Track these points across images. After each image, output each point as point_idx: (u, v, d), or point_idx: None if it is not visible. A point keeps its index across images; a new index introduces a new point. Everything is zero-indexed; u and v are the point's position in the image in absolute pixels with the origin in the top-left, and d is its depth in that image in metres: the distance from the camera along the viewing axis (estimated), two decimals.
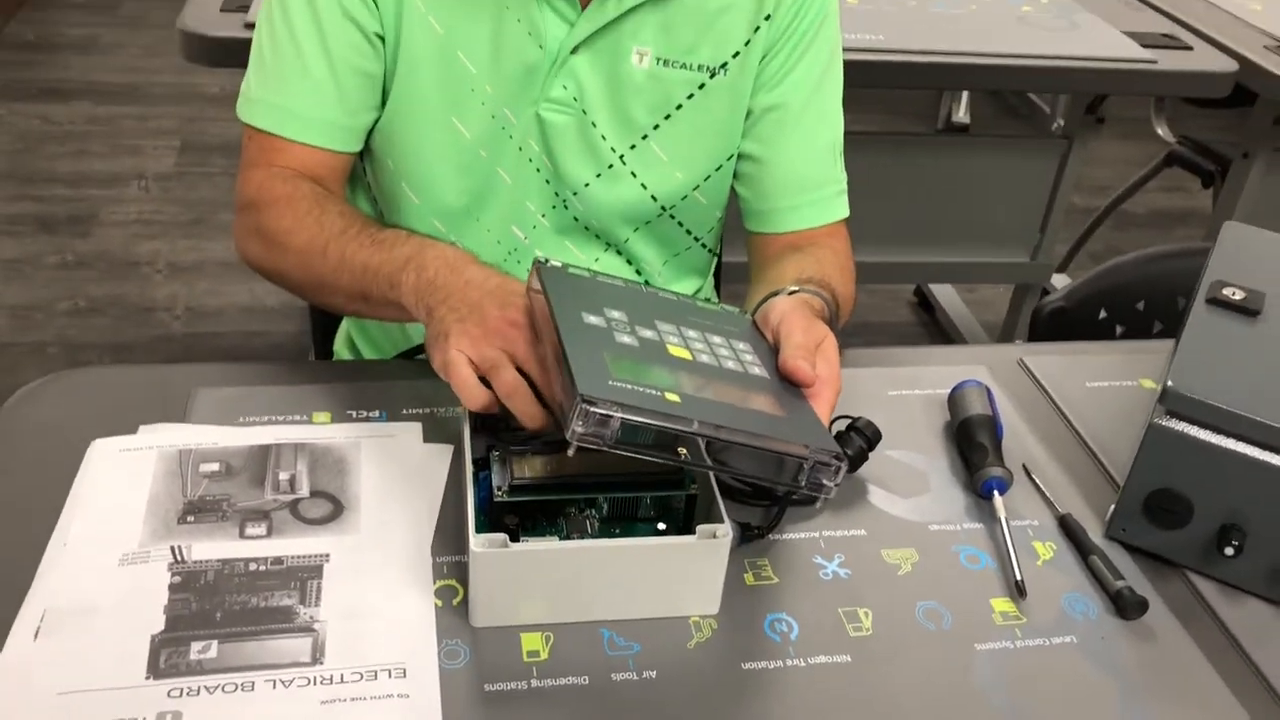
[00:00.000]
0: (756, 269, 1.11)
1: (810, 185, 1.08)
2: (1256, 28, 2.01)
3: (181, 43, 1.62)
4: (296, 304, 2.46)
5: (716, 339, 0.82)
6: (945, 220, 2.20)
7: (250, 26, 1.58)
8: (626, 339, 0.77)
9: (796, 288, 0.93)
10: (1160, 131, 2.61)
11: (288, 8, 0.98)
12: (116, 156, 2.98)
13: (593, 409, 0.66)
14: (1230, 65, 1.86)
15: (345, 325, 1.24)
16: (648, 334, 0.79)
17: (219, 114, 3.25)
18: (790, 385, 0.79)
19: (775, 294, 0.92)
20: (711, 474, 0.77)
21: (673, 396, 0.70)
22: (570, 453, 0.68)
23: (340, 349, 1.23)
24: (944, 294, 2.69)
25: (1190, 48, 1.91)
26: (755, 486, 0.84)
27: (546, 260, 0.84)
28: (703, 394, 0.72)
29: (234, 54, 1.61)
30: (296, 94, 0.99)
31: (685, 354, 0.78)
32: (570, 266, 0.85)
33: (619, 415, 0.67)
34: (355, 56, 0.98)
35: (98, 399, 0.90)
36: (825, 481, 0.72)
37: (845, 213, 1.10)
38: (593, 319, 0.78)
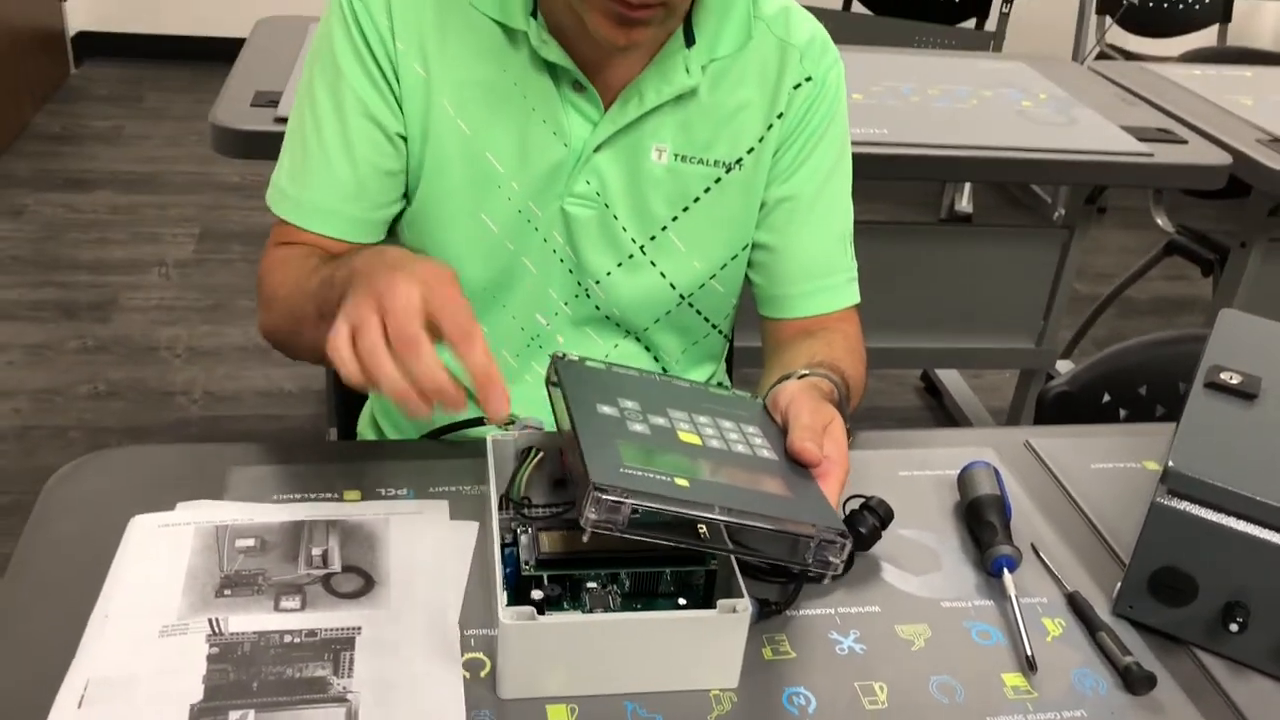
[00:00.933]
0: (770, 353, 1.14)
1: (822, 272, 1.12)
2: (1249, 122, 2.08)
3: (213, 136, 1.69)
4: (312, 389, 2.51)
5: (727, 424, 0.86)
6: (950, 307, 2.24)
7: (280, 121, 1.65)
8: (639, 427, 0.80)
9: (807, 371, 0.96)
10: (1160, 221, 2.67)
11: (316, 106, 1.03)
12: (137, 244, 3.05)
13: (605, 496, 0.70)
14: (1224, 159, 1.92)
15: (369, 405, 1.27)
16: (659, 421, 0.82)
17: (238, 202, 3.33)
18: (799, 467, 0.82)
19: (786, 377, 0.95)
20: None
21: (682, 481, 0.74)
22: (584, 539, 0.71)
23: (364, 429, 1.27)
24: (950, 379, 2.73)
25: (1185, 141, 1.97)
26: (771, 564, 0.87)
27: (563, 355, 0.88)
28: (712, 478, 0.76)
29: (262, 147, 1.67)
30: (320, 189, 1.03)
31: (696, 439, 0.81)
32: (586, 359, 0.89)
33: (630, 502, 0.70)
34: (376, 156, 1.03)
35: (137, 477, 0.93)
36: (831, 559, 0.75)
37: (856, 299, 1.14)
38: (607, 409, 0.81)
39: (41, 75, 3.89)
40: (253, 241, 3.12)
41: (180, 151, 3.62)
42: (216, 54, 4.34)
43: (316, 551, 0.86)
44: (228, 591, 0.82)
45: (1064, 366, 2.56)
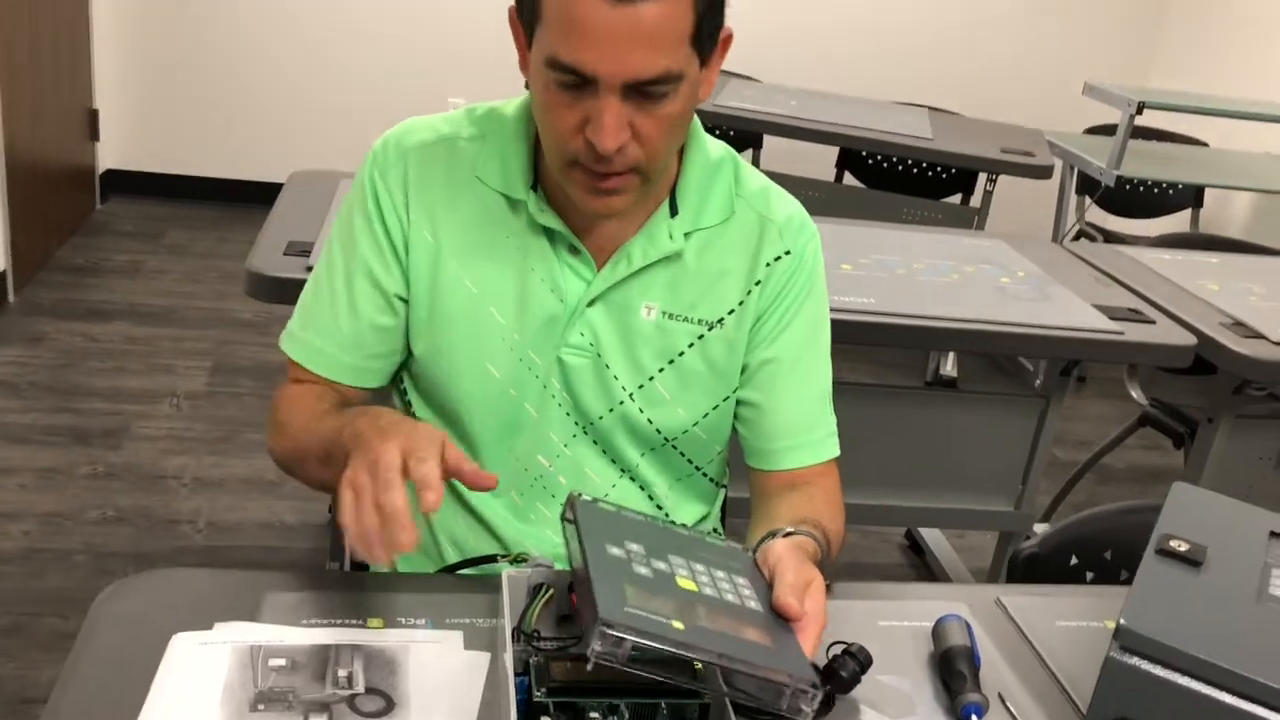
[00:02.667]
0: (756, 502, 1.24)
1: (803, 429, 1.23)
2: (1214, 306, 2.22)
3: (247, 281, 1.81)
4: (311, 522, 2.58)
5: (720, 573, 0.95)
6: (932, 468, 2.34)
7: (310, 270, 1.77)
8: (643, 570, 0.90)
9: (792, 529, 1.06)
10: (1134, 394, 2.79)
11: (331, 265, 1.18)
12: (151, 374, 3.16)
13: (610, 631, 0.79)
14: (1190, 339, 2.05)
15: None
16: (661, 566, 0.92)
17: (250, 339, 3.45)
18: (781, 620, 0.92)
19: (774, 534, 1.05)
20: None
21: (678, 624, 0.83)
22: (589, 667, 0.80)
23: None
24: (933, 538, 2.81)
25: (1154, 322, 2.11)
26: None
27: (580, 494, 0.98)
28: (704, 624, 0.85)
29: (293, 292, 1.79)
30: (324, 337, 1.18)
31: (693, 586, 0.91)
32: (600, 501, 0.98)
33: (631, 639, 0.79)
34: (375, 313, 1.17)
35: (177, 597, 1.01)
36: (804, 707, 0.85)
37: (836, 452, 1.25)
38: (615, 550, 0.91)
39: (69, 209, 4.06)
40: (262, 377, 3.23)
41: (198, 287, 3.76)
42: (236, 196, 4.55)
43: (342, 673, 0.94)
44: (261, 707, 0.89)
45: (1041, 529, 2.65)
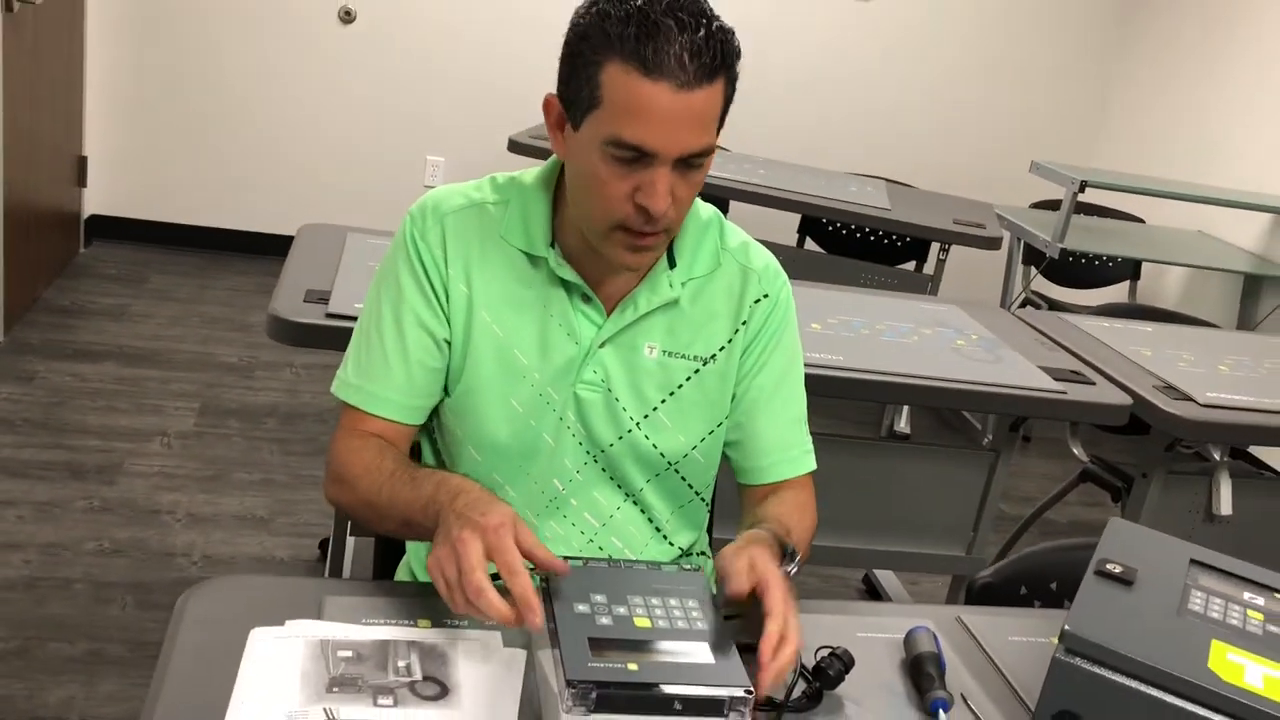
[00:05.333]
0: (742, 513, 1.43)
1: (782, 447, 1.42)
2: (1147, 370, 2.43)
3: (269, 324, 1.96)
4: (303, 557, 2.70)
5: (674, 601, 1.12)
6: (891, 515, 2.52)
7: (331, 316, 1.92)
8: (605, 620, 1.07)
9: (750, 528, 1.26)
10: (1075, 451, 3.00)
11: (381, 319, 1.33)
12: (141, 414, 3.26)
13: (575, 688, 0.96)
14: (1125, 400, 2.25)
15: (405, 559, 1.50)
16: (621, 611, 1.09)
17: (235, 382, 3.57)
18: (724, 639, 1.07)
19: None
20: None
21: (633, 666, 1.01)
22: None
23: (401, 575, 1.49)
24: (889, 582, 2.98)
25: (1094, 383, 2.31)
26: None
27: (562, 558, 1.13)
28: (655, 659, 1.02)
29: (313, 336, 1.95)
30: (380, 382, 1.33)
31: (648, 623, 1.08)
32: (569, 559, 1.14)
33: (595, 692, 0.97)
34: (426, 357, 1.33)
35: (249, 600, 1.15)
36: (740, 709, 1.00)
37: (812, 466, 1.44)
38: (581, 607, 1.08)
39: (55, 253, 4.16)
40: (249, 419, 3.35)
41: (183, 331, 3.87)
42: (216, 244, 4.68)
43: (401, 664, 1.08)
44: (335, 689, 1.03)
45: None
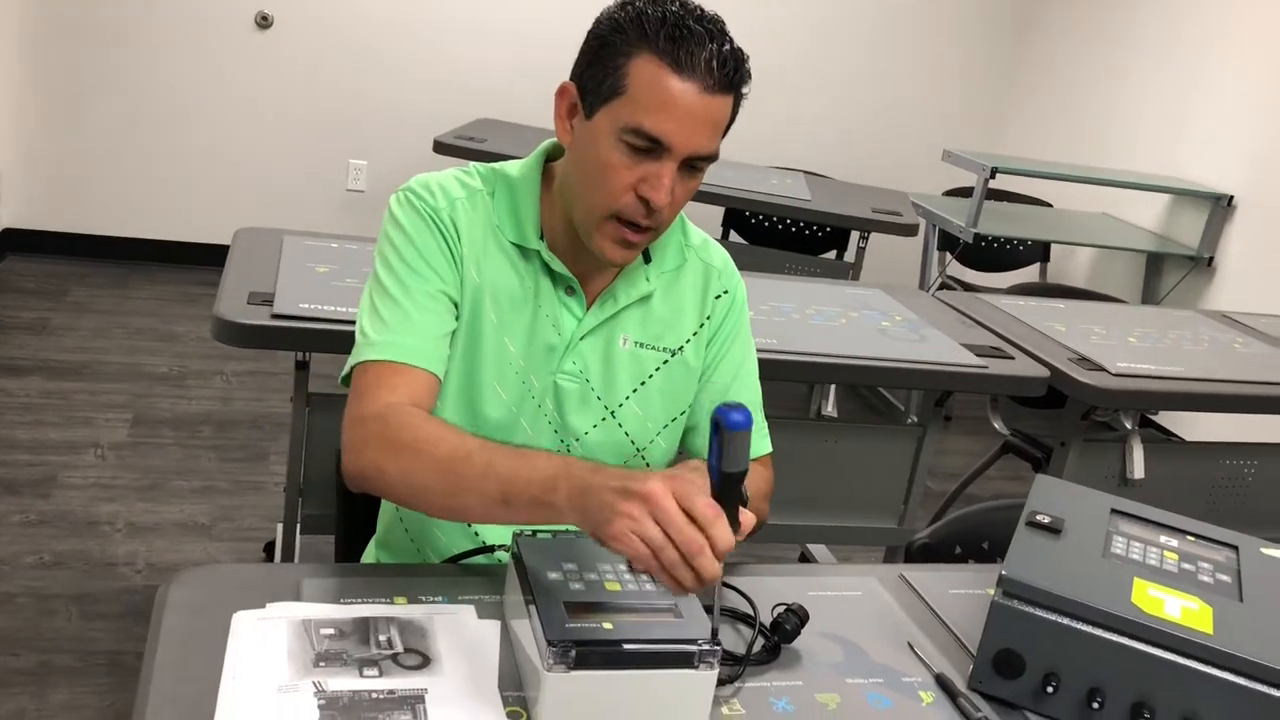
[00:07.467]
0: None
1: None
2: (1061, 344, 2.56)
3: (214, 326, 1.97)
4: (248, 561, 2.70)
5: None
6: (824, 491, 2.61)
7: (276, 317, 1.95)
8: (577, 585, 1.12)
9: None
10: (996, 425, 3.13)
11: (399, 283, 1.30)
12: (71, 426, 3.23)
13: (555, 646, 1.01)
14: (1043, 372, 2.38)
15: (371, 545, 1.53)
16: (592, 577, 1.15)
17: (167, 391, 3.54)
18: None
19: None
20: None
21: (608, 625, 1.06)
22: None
23: (367, 559, 1.53)
24: (823, 557, 3.07)
25: (1012, 357, 2.43)
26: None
27: (521, 531, 1.19)
28: (627, 617, 1.08)
29: (259, 338, 1.97)
30: (407, 333, 1.30)
31: (618, 586, 1.14)
32: (539, 531, 1.19)
33: (574, 650, 1.02)
34: (447, 319, 1.32)
35: (228, 586, 1.19)
36: (709, 659, 1.06)
37: (769, 448, 1.51)
38: (554, 575, 1.13)
39: None
40: (184, 428, 3.33)
41: (108, 343, 3.83)
42: (137, 254, 4.62)
43: (383, 638, 1.13)
44: (321, 664, 1.08)
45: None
